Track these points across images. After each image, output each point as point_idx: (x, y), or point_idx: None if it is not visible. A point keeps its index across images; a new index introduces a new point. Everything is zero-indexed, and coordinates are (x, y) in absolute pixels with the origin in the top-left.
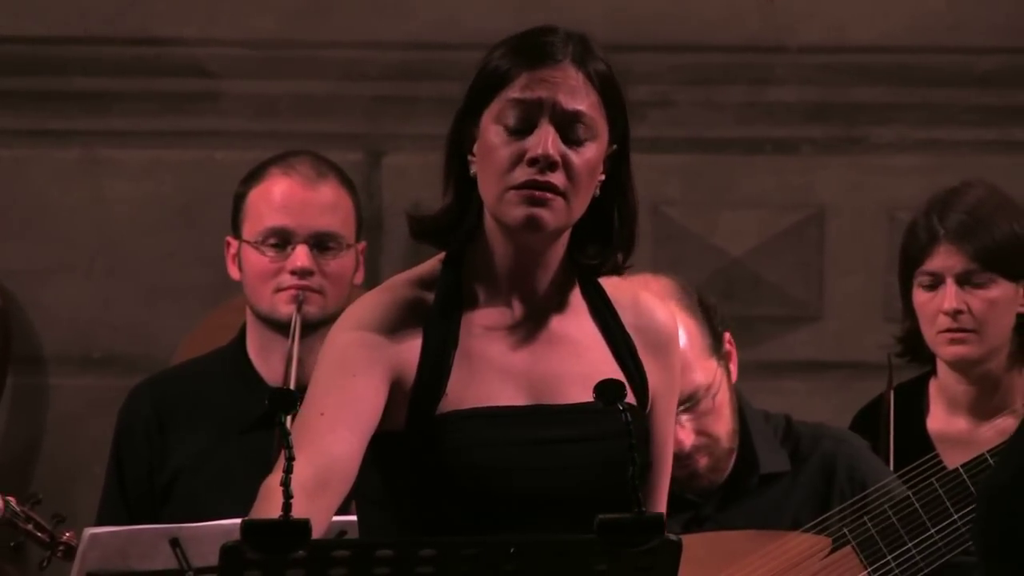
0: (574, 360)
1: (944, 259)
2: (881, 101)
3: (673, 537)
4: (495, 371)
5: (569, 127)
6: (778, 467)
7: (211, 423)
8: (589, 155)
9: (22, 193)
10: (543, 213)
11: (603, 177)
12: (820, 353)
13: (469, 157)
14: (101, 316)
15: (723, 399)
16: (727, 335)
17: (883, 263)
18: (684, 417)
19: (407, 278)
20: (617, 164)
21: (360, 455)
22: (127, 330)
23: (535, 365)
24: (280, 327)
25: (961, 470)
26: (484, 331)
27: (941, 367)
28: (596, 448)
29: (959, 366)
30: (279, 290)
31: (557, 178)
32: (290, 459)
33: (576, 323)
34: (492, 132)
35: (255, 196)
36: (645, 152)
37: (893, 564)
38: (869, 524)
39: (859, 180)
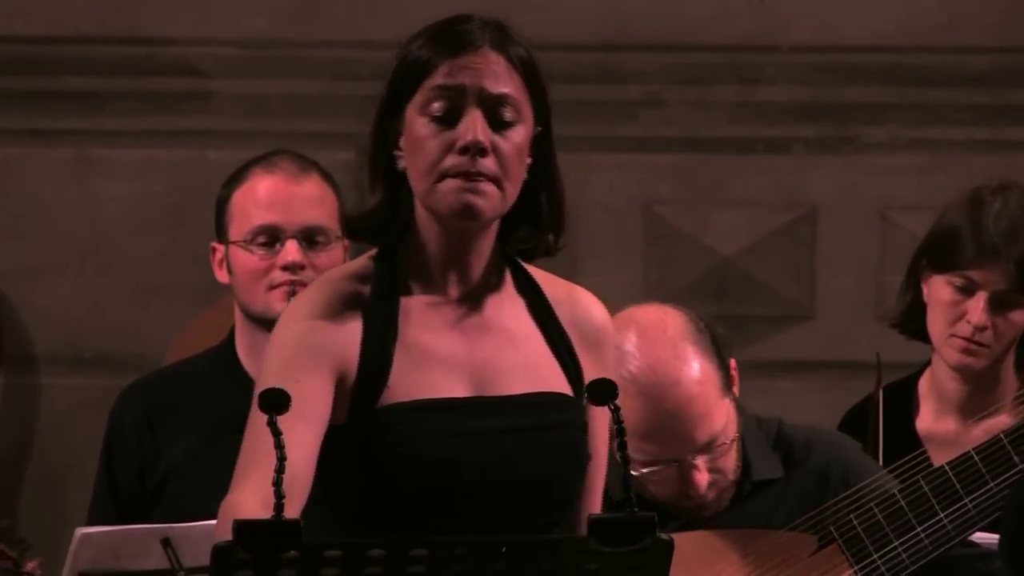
0: (511, 350)
1: (988, 274)
2: (873, 101)
3: (664, 536)
4: (436, 362)
5: (496, 111)
6: (771, 474)
7: (202, 424)
8: (518, 139)
9: (13, 192)
10: (478, 200)
11: (529, 160)
12: (812, 353)
13: (396, 152)
14: (92, 316)
15: (734, 434)
16: (732, 362)
17: (875, 263)
18: (701, 460)
19: (343, 272)
20: (542, 146)
21: (315, 456)
22: (118, 330)
23: (474, 355)
24: (274, 325)
25: (947, 468)
26: (422, 322)
27: (938, 363)
28: (540, 439)
29: (959, 370)
30: (272, 287)
31: (488, 164)
32: (281, 459)
33: (512, 314)
34: (419, 124)
35: (240, 197)
36: (636, 152)
37: (879, 562)
38: (855, 522)
39: (851, 180)
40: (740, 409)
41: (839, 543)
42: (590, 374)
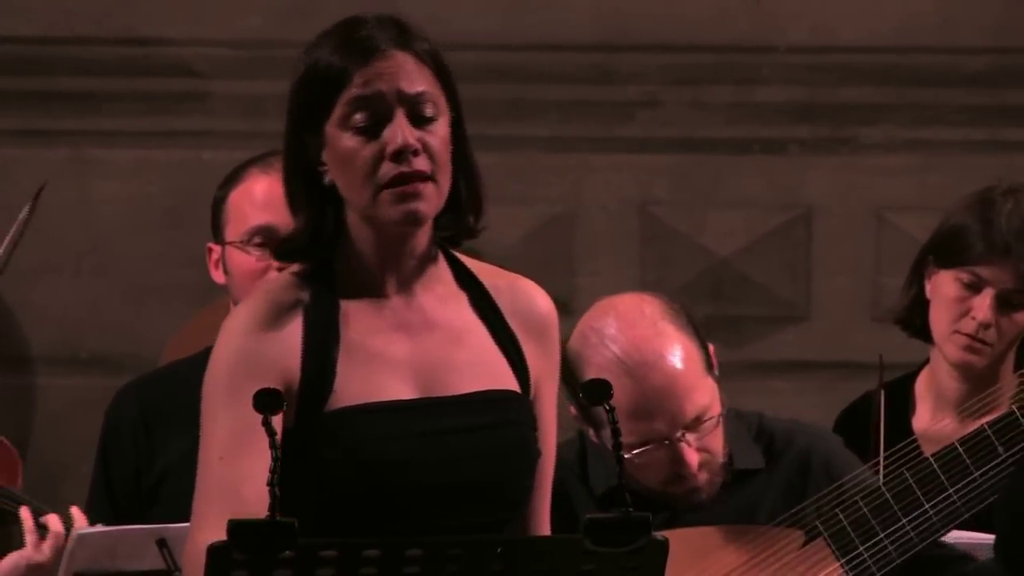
0: (456, 348)
1: (997, 273)
2: (869, 101)
3: (659, 537)
4: (381, 364)
5: (417, 110)
6: (752, 464)
7: (198, 424)
8: (442, 132)
9: (10, 193)
10: (419, 205)
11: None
12: (807, 353)
13: (320, 168)
14: (88, 316)
15: (719, 411)
16: (711, 348)
17: (871, 263)
18: (691, 437)
19: (280, 281)
20: (455, 131)
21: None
22: (114, 330)
23: (419, 355)
24: None
25: (931, 460)
26: (364, 325)
27: (938, 360)
28: (489, 438)
29: (960, 367)
30: None
31: (422, 163)
32: (276, 459)
33: (455, 310)
34: (343, 138)
35: (236, 197)
36: (633, 152)
37: (866, 555)
38: (841, 516)
39: (847, 180)
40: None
41: (825, 537)
42: (535, 365)
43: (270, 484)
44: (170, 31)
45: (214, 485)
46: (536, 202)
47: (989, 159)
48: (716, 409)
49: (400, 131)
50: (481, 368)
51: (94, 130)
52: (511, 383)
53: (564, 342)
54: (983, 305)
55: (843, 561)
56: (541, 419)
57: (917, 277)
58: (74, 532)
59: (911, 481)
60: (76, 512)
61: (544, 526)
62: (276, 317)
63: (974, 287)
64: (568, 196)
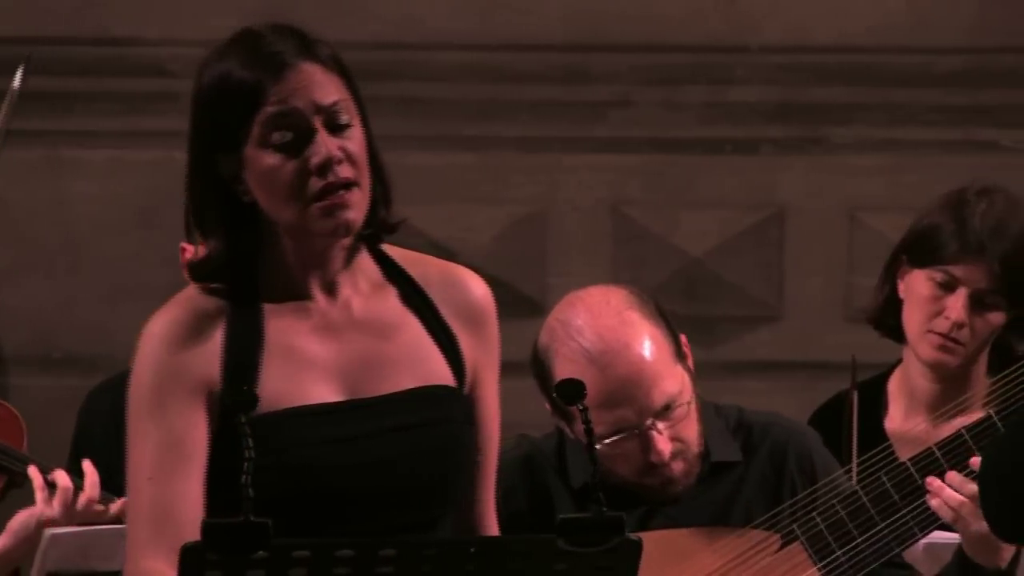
0: (385, 344)
1: (970, 272)
2: (842, 101)
3: (633, 537)
4: (306, 367)
5: (334, 120)
6: (729, 457)
7: None
8: (359, 135)
9: None
10: (349, 215)
11: None
12: (780, 353)
13: (237, 187)
14: (62, 316)
15: (690, 398)
16: (683, 338)
17: (844, 263)
18: (661, 425)
19: (198, 288)
20: (365, 126)
21: (202, 495)
22: (88, 330)
23: (346, 356)
24: None
25: (908, 464)
26: (289, 328)
27: (910, 360)
28: (415, 439)
29: (932, 367)
30: None
31: (346, 171)
32: (249, 459)
33: (382, 306)
34: (264, 157)
35: None
36: (606, 152)
37: (843, 559)
38: (818, 519)
39: (820, 180)
40: (700, 397)
41: (802, 540)
42: (472, 354)
43: (243, 485)
44: (144, 31)
45: (147, 507)
46: (509, 202)
47: (962, 159)
48: (687, 397)
49: (322, 144)
50: (412, 364)
51: (68, 130)
52: (445, 377)
53: (534, 344)
54: (957, 305)
55: (820, 565)
56: (483, 408)
57: (890, 277)
58: (46, 532)
59: (888, 485)
60: (88, 467)
61: (489, 518)
62: (196, 325)
63: (948, 287)
64: (541, 196)
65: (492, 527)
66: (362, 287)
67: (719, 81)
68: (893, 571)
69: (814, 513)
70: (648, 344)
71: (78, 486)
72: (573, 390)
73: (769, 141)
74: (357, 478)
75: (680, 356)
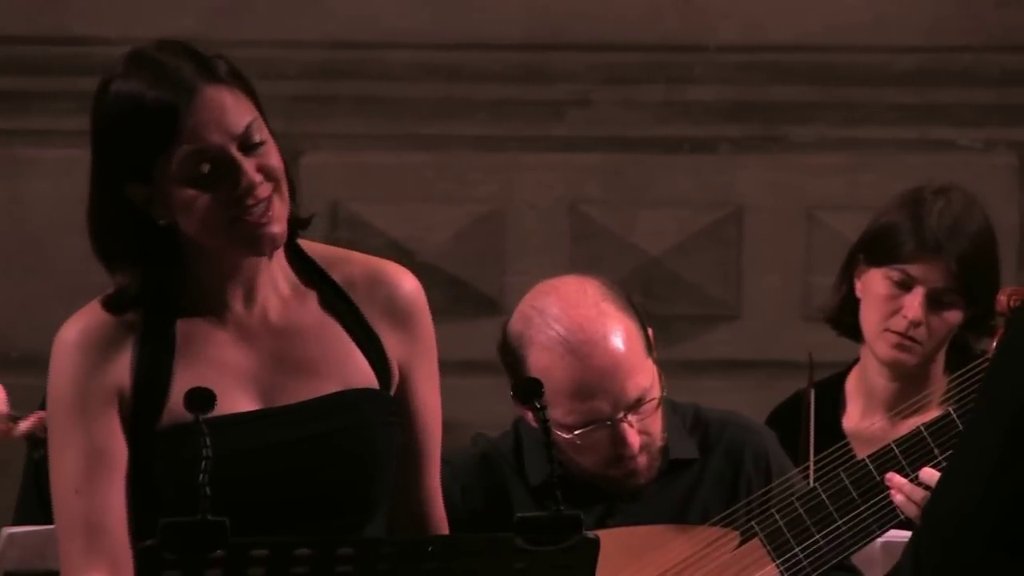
0: (303, 350)
1: (927, 270)
2: (800, 100)
3: (591, 535)
4: (220, 377)
5: (247, 141)
6: (687, 454)
7: None
8: (271, 147)
9: None
10: (274, 230)
11: None
12: (738, 352)
13: (152, 211)
14: (20, 316)
15: (659, 394)
16: (650, 331)
17: (801, 262)
18: (632, 418)
19: (110, 296)
20: (269, 129)
21: (124, 504)
22: (47, 330)
23: (262, 363)
24: None
25: (867, 461)
26: (203, 337)
27: (868, 359)
28: (327, 447)
29: (890, 365)
30: None
31: (264, 190)
32: (207, 458)
33: (304, 311)
34: (184, 191)
35: None
36: (563, 151)
37: (801, 556)
38: (776, 516)
39: (778, 179)
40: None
41: (761, 537)
42: (399, 353)
43: (200, 484)
44: (102, 30)
45: (76, 521)
46: (466, 201)
47: (920, 158)
48: (656, 391)
49: (242, 174)
50: (331, 368)
51: (25, 129)
52: (367, 379)
53: (504, 325)
54: (914, 303)
55: (779, 562)
56: (416, 402)
57: (847, 276)
58: (4, 532)
59: (847, 482)
60: None
61: (436, 509)
62: (108, 333)
63: (904, 285)
64: (498, 195)
65: (440, 520)
66: (281, 293)
67: (677, 80)
68: (842, 574)
69: (773, 510)
70: (624, 337)
71: None
72: (530, 389)
73: (727, 140)
74: (271, 487)
75: (650, 349)
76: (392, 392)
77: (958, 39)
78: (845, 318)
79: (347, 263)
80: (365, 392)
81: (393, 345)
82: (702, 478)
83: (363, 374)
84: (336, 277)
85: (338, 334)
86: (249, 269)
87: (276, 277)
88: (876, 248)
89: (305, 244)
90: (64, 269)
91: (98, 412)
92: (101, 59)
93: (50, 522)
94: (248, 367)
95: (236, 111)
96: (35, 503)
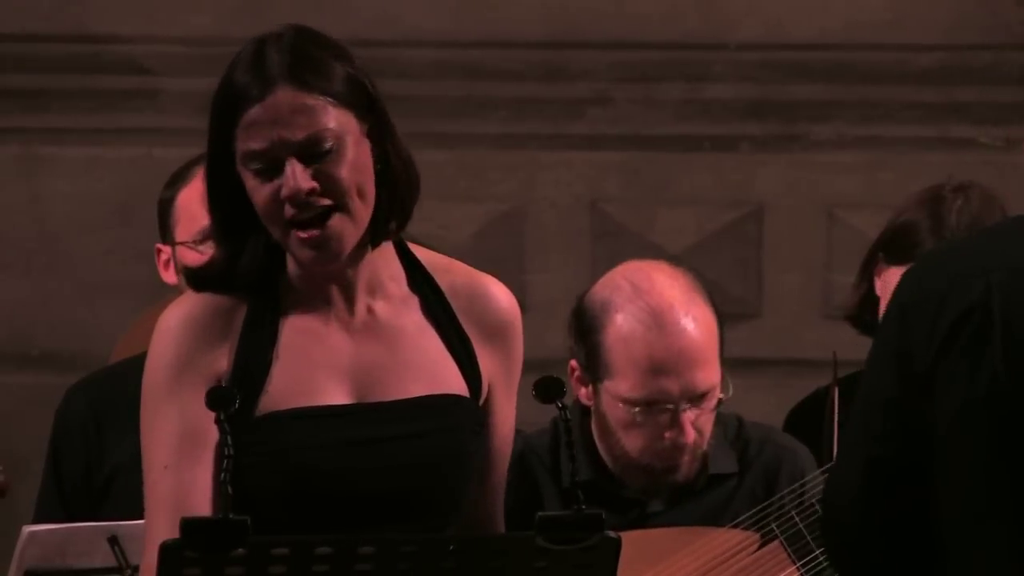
0: (400, 351)
1: None
2: (819, 98)
3: (612, 535)
4: (319, 369)
5: (309, 151)
6: (726, 468)
7: None
8: (344, 156)
9: None
10: (325, 248)
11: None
12: (758, 350)
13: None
14: (39, 314)
15: (719, 397)
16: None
17: (821, 260)
18: (692, 412)
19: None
20: (375, 136)
21: (211, 486)
22: (65, 328)
23: (360, 360)
24: None
25: None
26: (306, 329)
27: None
28: (419, 446)
29: None
30: None
31: (319, 200)
32: (228, 456)
33: (404, 313)
34: (247, 177)
35: (185, 197)
36: (583, 149)
37: (822, 559)
38: (797, 519)
39: (797, 177)
40: None
41: (782, 540)
42: (490, 368)
43: (222, 482)
44: (121, 28)
45: (162, 497)
46: (486, 199)
47: (939, 156)
48: (718, 393)
49: (289, 179)
50: (425, 372)
51: (44, 127)
52: (458, 387)
53: (583, 294)
54: None
55: (799, 564)
56: (498, 417)
57: (867, 274)
58: (24, 530)
59: None
60: None
61: (498, 528)
62: (212, 318)
63: None
64: (518, 193)
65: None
66: (386, 292)
67: (697, 78)
68: None
69: (793, 512)
70: (707, 329)
71: None
72: (552, 388)
73: (747, 138)
74: (355, 482)
75: (722, 352)
76: (480, 403)
77: (978, 37)
78: (865, 316)
79: (450, 272)
80: (456, 399)
81: (485, 358)
82: (736, 494)
83: (455, 382)
84: (441, 285)
85: (435, 342)
86: (347, 268)
87: (383, 278)
88: (896, 246)
89: (413, 248)
90: (84, 267)
91: (193, 393)
92: (120, 57)
93: (70, 520)
94: (344, 362)
95: (302, 118)
96: (55, 501)
